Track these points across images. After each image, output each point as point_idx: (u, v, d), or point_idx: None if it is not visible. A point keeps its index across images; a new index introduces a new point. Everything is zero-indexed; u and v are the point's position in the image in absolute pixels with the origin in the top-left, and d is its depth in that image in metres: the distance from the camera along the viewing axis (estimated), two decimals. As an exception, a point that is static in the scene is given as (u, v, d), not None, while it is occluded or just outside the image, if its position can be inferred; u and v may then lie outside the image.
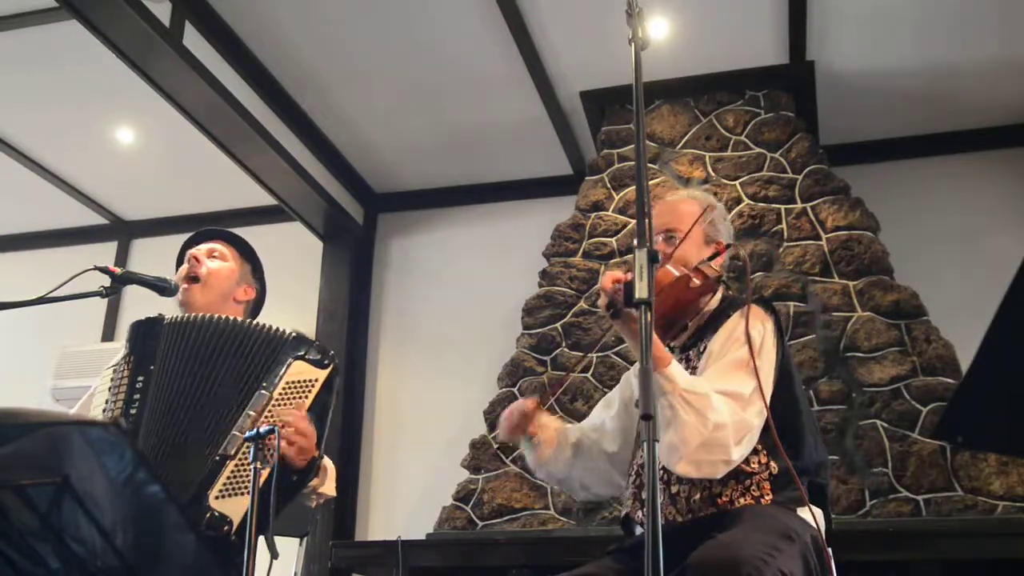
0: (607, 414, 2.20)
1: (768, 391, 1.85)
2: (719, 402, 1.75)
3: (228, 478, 1.95)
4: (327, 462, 2.31)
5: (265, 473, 1.90)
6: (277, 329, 2.17)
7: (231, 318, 2.19)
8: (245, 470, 1.96)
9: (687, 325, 2.05)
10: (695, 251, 2.06)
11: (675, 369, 1.76)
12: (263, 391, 2.05)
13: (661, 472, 1.88)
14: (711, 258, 2.05)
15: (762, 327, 1.93)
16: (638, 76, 1.53)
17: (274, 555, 1.83)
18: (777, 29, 4.14)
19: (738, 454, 1.77)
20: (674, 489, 1.88)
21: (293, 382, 2.09)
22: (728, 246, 2.12)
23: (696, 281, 1.95)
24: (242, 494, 1.93)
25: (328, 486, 2.32)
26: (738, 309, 1.96)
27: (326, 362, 2.15)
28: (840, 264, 4.05)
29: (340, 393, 4.90)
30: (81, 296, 2.19)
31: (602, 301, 1.77)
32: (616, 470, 2.16)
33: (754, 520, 1.71)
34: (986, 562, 3.17)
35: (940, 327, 3.87)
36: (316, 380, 2.11)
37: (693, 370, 1.95)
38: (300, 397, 2.08)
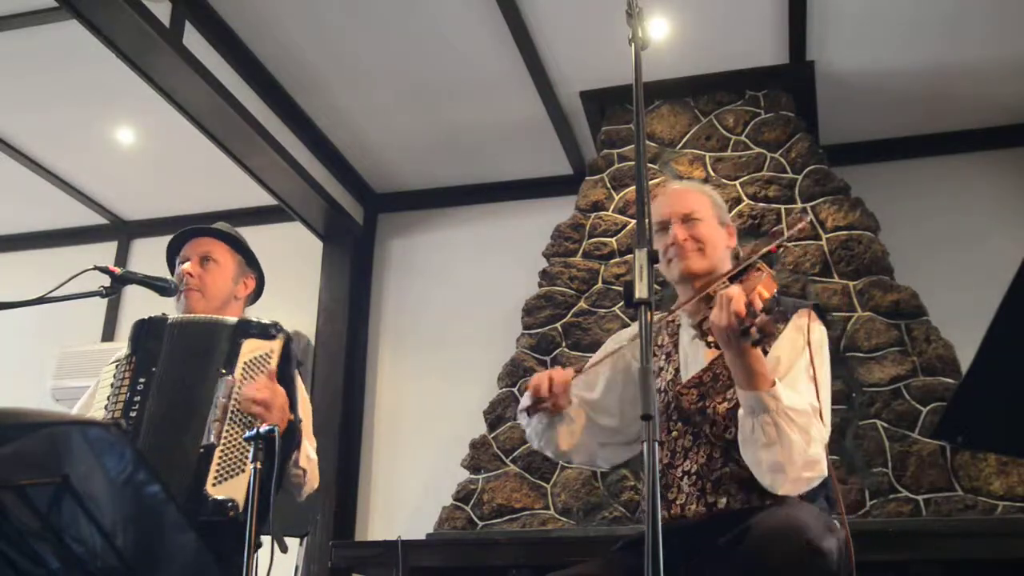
0: (589, 395, 2.13)
1: (828, 400, 1.83)
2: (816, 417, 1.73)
3: (218, 465, 2.02)
4: (310, 451, 2.34)
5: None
6: (223, 319, 2.25)
7: (222, 318, 2.26)
8: (231, 452, 2.05)
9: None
10: (716, 232, 2.08)
11: (780, 387, 1.72)
12: (226, 376, 2.13)
13: (695, 479, 1.87)
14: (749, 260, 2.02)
15: (820, 335, 1.91)
16: (638, 76, 1.53)
17: (283, 549, 1.88)
18: (777, 29, 4.14)
19: (825, 467, 1.75)
20: (710, 499, 1.85)
21: (250, 360, 2.17)
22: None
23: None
24: (236, 475, 2.02)
25: (307, 460, 2.30)
26: (794, 311, 1.93)
27: (274, 333, 2.23)
28: (840, 264, 4.05)
29: (340, 393, 4.92)
30: (81, 296, 2.20)
31: (727, 321, 1.67)
32: (617, 441, 2.13)
33: (800, 505, 1.72)
34: (986, 562, 3.16)
35: (940, 327, 3.86)
36: (272, 351, 2.20)
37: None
38: (262, 371, 2.17)
